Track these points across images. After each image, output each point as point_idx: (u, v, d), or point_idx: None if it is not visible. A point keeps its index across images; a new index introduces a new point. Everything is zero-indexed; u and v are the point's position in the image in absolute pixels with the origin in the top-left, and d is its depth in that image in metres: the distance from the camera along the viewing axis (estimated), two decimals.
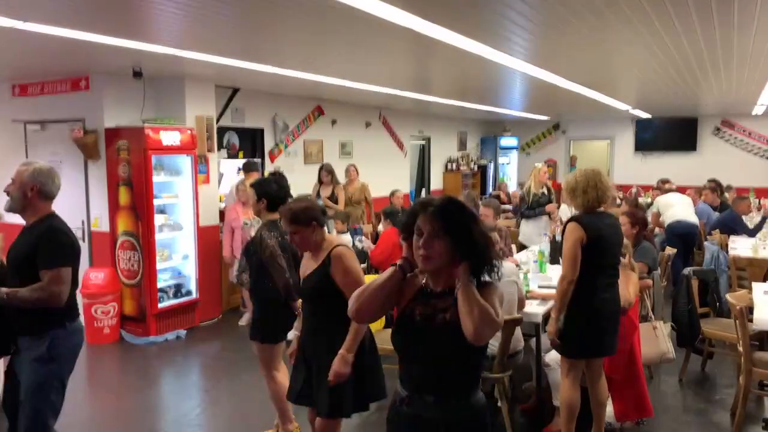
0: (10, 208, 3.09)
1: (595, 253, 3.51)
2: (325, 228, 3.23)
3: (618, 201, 8.99)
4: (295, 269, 3.83)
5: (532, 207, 7.20)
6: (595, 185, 3.58)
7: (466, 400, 2.10)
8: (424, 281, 2.16)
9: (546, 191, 7.27)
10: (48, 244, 2.95)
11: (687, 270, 5.10)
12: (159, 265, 6.28)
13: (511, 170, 15.60)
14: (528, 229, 7.29)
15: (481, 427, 2.13)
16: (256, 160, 7.85)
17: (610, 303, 3.61)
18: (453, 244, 2.01)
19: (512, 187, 13.98)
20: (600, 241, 3.53)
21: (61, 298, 2.93)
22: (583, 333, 3.55)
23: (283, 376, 3.90)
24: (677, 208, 7.89)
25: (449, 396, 2.08)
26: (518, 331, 4.13)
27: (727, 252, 6.61)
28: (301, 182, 8.23)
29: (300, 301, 3.78)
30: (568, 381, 3.66)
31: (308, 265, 3.18)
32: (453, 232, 2.00)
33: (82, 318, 3.29)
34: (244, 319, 6.64)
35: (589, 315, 3.52)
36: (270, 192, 3.84)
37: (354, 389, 3.04)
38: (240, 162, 8.09)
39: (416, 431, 2.12)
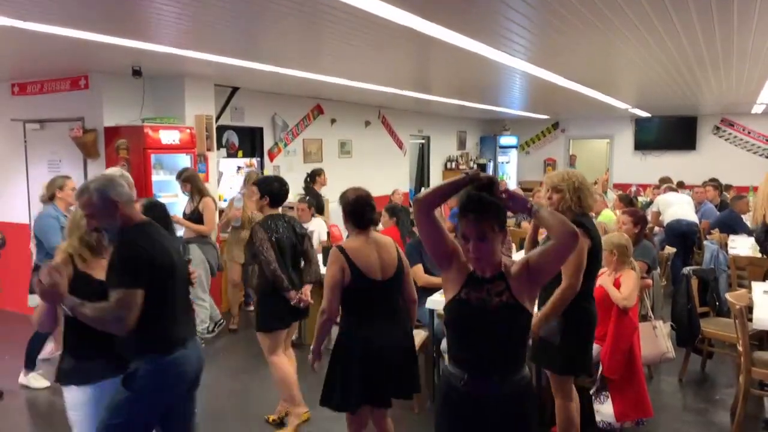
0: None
1: (592, 262, 3.32)
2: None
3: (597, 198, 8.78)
4: (302, 263, 4.12)
5: None
6: (577, 190, 3.39)
7: (521, 374, 2.26)
8: (472, 268, 2.27)
9: None
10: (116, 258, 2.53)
11: (687, 269, 5.09)
12: None
13: (510, 169, 15.59)
14: None
15: (532, 398, 2.36)
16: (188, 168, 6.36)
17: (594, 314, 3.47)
18: (499, 233, 2.18)
19: (512, 186, 13.96)
20: (599, 248, 3.42)
21: (123, 324, 2.44)
22: (583, 345, 3.41)
23: (284, 360, 4.10)
24: (677, 208, 7.88)
25: (509, 373, 2.24)
26: None
27: (726, 251, 6.60)
28: (301, 181, 8.24)
29: (293, 292, 3.93)
30: (561, 396, 3.47)
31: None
32: (495, 224, 2.16)
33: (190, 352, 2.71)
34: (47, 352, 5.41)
35: (590, 326, 3.39)
36: (272, 190, 4.13)
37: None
38: (240, 161, 8.09)
39: (478, 409, 2.24)
